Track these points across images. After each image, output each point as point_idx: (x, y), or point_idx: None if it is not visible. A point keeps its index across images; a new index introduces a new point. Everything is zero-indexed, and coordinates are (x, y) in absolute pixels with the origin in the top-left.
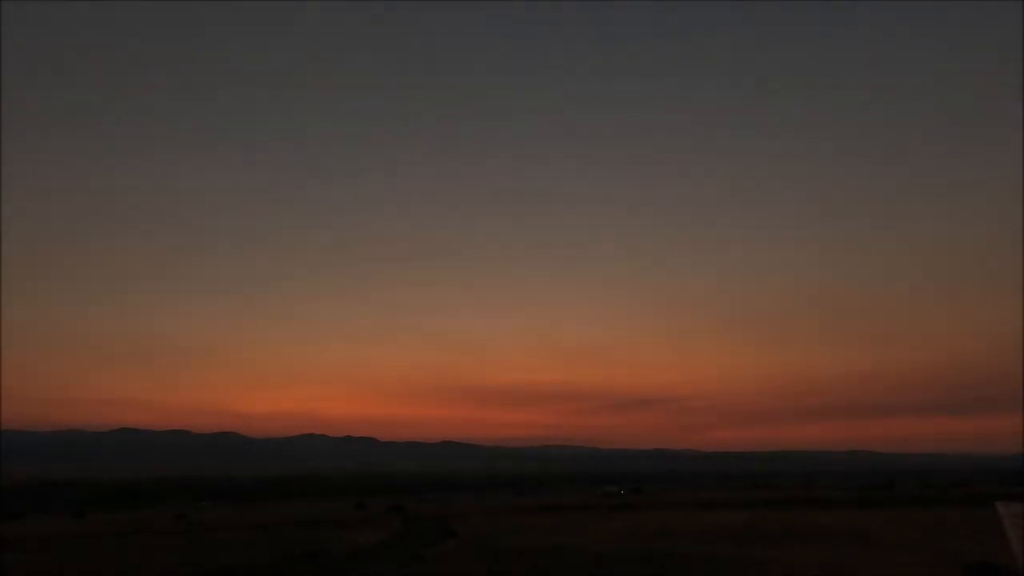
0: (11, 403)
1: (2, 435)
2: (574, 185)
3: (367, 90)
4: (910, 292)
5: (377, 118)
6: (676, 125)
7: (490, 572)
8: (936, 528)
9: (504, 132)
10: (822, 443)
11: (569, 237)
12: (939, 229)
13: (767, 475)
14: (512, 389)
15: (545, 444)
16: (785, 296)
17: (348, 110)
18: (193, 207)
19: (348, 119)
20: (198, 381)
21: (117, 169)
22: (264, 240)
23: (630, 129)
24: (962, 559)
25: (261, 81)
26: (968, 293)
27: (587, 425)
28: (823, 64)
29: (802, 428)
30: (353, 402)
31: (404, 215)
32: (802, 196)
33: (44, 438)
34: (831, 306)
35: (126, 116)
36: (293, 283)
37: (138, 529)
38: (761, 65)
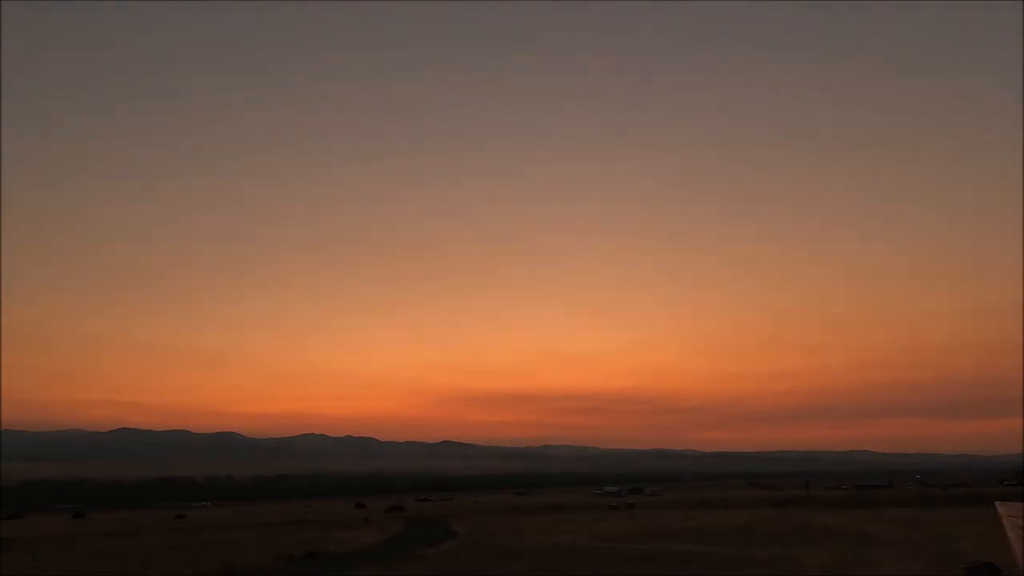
0: (11, 403)
1: (2, 435)
2: (575, 189)
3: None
4: (910, 293)
5: (375, 121)
6: (674, 130)
7: (490, 572)
8: (936, 528)
9: (505, 133)
10: (822, 443)
11: (569, 239)
12: (939, 230)
13: (767, 475)
14: (512, 389)
15: (545, 444)
16: (785, 297)
17: (340, 112)
18: (192, 208)
19: (343, 120)
20: (198, 381)
21: (118, 170)
22: (263, 241)
23: (631, 134)
24: (962, 559)
25: (263, 82)
26: (968, 294)
27: (587, 425)
28: (825, 71)
29: (802, 428)
30: (353, 402)
31: (403, 217)
32: (803, 199)
33: (44, 438)
34: (831, 306)
35: (126, 117)
36: (293, 283)
37: (138, 529)
38: (763, 71)
